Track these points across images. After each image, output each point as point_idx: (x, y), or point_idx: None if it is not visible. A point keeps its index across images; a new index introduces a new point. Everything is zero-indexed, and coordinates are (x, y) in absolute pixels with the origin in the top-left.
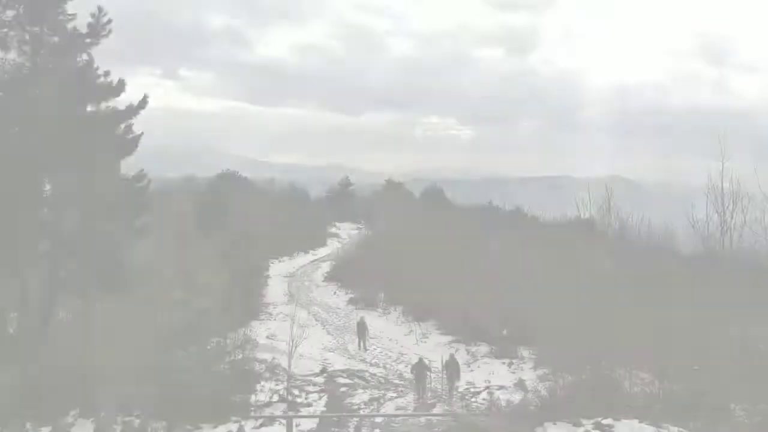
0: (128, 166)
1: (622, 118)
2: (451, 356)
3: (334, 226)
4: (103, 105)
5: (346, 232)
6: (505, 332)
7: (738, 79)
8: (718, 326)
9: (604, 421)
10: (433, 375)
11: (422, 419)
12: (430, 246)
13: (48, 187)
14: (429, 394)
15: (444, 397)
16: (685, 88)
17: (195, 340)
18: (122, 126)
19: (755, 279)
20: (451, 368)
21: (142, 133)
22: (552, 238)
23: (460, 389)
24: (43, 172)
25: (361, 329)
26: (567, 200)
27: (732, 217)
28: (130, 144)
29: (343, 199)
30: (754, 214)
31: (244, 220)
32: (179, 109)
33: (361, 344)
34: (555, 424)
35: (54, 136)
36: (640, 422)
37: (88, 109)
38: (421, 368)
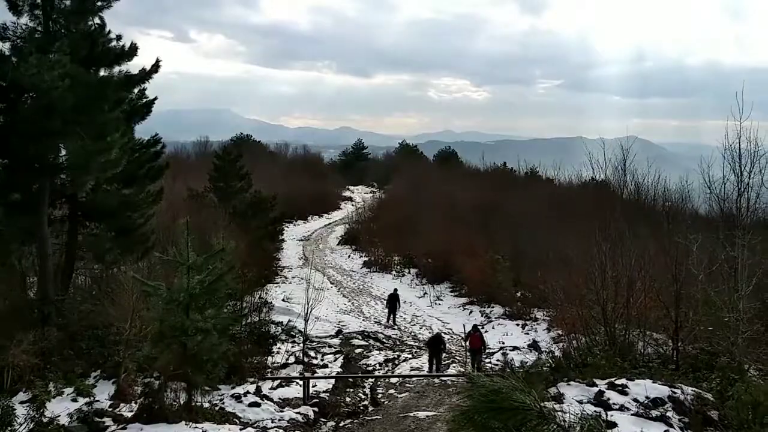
0: (142, 130)
1: (638, 78)
2: (475, 327)
3: (348, 189)
4: (116, 69)
5: (360, 195)
6: (519, 294)
7: (758, 37)
8: (732, 287)
9: (618, 381)
10: (451, 347)
11: (437, 380)
12: (445, 209)
13: (63, 152)
14: (443, 370)
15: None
16: (703, 46)
17: (212, 304)
18: (135, 90)
19: None
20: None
21: (156, 97)
22: (567, 199)
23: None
24: (57, 137)
25: (393, 302)
26: (581, 161)
27: (750, 177)
28: (143, 108)
29: (356, 163)
30: None
31: (259, 183)
32: (192, 72)
33: (391, 318)
34: (569, 384)
35: (67, 101)
36: (653, 382)
37: (101, 73)
38: (436, 342)
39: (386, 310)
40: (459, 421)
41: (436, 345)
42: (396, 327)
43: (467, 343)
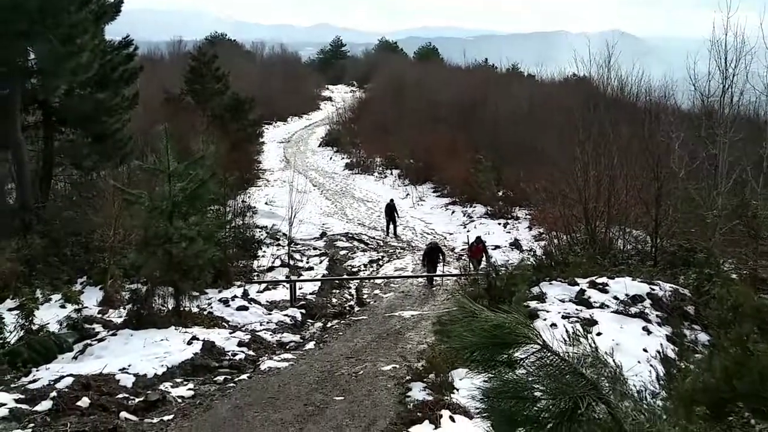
0: (113, 31)
1: None
2: (478, 239)
3: (327, 89)
4: None
5: (339, 95)
6: (500, 193)
7: None
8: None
9: (599, 280)
10: (448, 259)
11: (421, 280)
12: (426, 108)
13: (32, 56)
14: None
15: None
16: None
17: (195, 210)
18: None
19: (754, 139)
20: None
21: None
22: (549, 97)
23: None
24: (24, 39)
25: (390, 212)
26: (564, 58)
27: (734, 74)
28: (112, 8)
29: (335, 61)
30: (758, 70)
31: (236, 85)
32: None
33: (390, 229)
34: (551, 283)
35: (32, 1)
36: (633, 280)
37: None
38: (434, 254)
39: (369, 212)
40: (461, 356)
41: (433, 255)
42: (397, 239)
43: (468, 252)
